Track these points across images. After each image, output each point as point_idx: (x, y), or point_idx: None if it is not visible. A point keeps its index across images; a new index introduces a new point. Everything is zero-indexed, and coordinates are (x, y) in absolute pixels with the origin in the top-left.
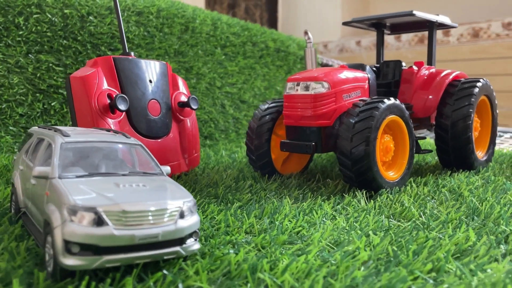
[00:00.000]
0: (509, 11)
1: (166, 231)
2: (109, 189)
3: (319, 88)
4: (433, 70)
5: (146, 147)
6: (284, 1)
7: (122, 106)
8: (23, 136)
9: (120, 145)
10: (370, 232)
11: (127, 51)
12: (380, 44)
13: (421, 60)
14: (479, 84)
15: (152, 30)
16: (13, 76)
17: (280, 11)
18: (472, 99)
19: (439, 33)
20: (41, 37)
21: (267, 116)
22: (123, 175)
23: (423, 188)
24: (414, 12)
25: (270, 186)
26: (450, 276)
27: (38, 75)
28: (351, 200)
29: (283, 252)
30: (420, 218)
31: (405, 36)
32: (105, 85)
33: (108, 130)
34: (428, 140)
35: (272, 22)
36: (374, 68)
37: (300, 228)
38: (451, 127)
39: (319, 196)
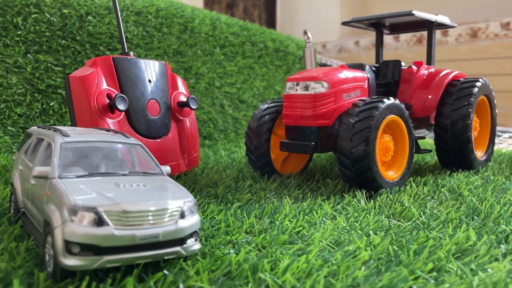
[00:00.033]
0: (507, 11)
1: (167, 231)
2: (109, 189)
3: (318, 88)
4: (432, 70)
5: (146, 147)
6: (283, 1)
7: (121, 106)
8: (22, 136)
9: (120, 145)
10: (371, 232)
11: (126, 51)
12: (379, 44)
13: (419, 60)
14: (478, 84)
15: (151, 30)
16: (11, 76)
17: (278, 11)
18: (472, 99)
19: (437, 33)
20: (40, 37)
21: (267, 116)
22: (123, 175)
23: (423, 188)
24: (414, 12)
25: (270, 186)
26: (451, 276)
27: (36, 75)
28: (351, 200)
29: (284, 252)
30: (420, 218)
31: (403, 36)
32: (105, 85)
33: (108, 130)
34: (427, 140)
35: (271, 22)
36: (374, 68)
37: (301, 228)
38: (450, 126)
39: (319, 196)
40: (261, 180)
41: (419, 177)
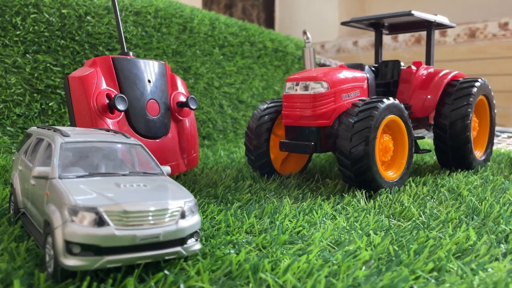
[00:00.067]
0: (505, 12)
1: (167, 231)
2: (110, 189)
3: (318, 88)
4: (431, 70)
5: (146, 147)
6: (281, 1)
7: (121, 106)
8: (21, 137)
9: (120, 145)
10: (371, 232)
11: (126, 51)
12: (378, 44)
13: (417, 60)
14: (477, 84)
15: (150, 30)
16: (10, 76)
17: (277, 12)
18: (471, 99)
19: (435, 34)
20: (39, 37)
21: (266, 116)
22: (123, 175)
23: (422, 188)
24: (413, 12)
25: (270, 186)
26: (451, 276)
27: (35, 75)
28: (351, 200)
29: (284, 252)
30: (420, 218)
31: (402, 36)
32: (104, 85)
33: (108, 130)
34: (426, 140)
35: (269, 22)
36: (373, 68)
37: (301, 228)
38: (449, 126)
39: (319, 196)
40: (260, 180)
41: (418, 177)
